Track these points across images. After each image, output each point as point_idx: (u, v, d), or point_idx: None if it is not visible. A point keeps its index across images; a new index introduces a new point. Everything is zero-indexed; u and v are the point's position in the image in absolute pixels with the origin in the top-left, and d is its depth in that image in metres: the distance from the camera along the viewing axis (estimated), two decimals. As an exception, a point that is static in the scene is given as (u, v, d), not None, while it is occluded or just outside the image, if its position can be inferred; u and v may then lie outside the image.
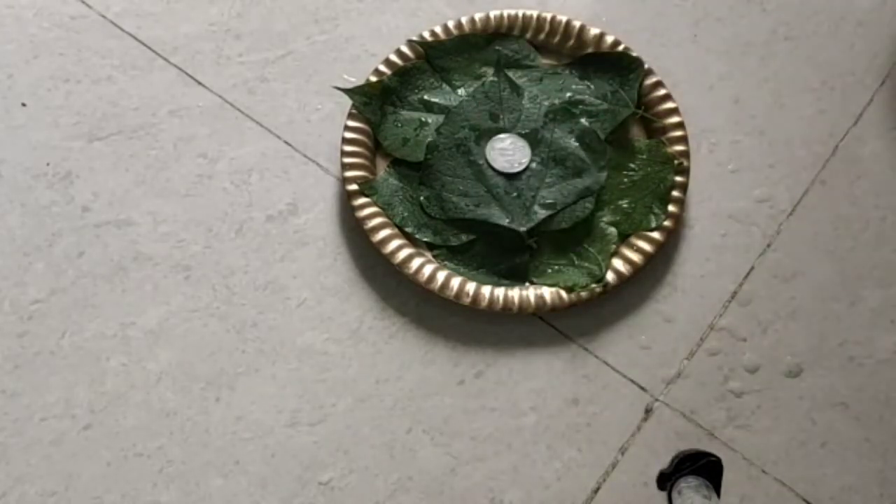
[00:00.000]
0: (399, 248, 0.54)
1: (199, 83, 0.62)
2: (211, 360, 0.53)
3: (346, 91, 0.58)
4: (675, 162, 0.56)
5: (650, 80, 0.58)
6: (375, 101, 0.59)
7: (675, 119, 0.57)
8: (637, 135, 0.58)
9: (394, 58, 0.60)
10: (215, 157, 0.59)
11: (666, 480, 0.49)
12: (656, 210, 0.55)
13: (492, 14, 0.61)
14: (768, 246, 0.56)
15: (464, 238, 0.55)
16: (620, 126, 0.57)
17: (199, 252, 0.56)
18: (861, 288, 0.55)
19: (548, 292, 0.53)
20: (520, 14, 0.61)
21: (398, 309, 0.55)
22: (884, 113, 0.60)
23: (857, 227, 0.56)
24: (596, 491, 0.50)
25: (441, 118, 0.58)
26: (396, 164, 0.58)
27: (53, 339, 0.54)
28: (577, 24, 0.60)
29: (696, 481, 0.48)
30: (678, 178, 0.56)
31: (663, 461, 0.50)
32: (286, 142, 0.60)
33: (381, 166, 0.58)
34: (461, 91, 0.60)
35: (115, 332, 0.54)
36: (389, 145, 0.58)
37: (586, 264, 0.54)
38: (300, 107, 0.61)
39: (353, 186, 0.56)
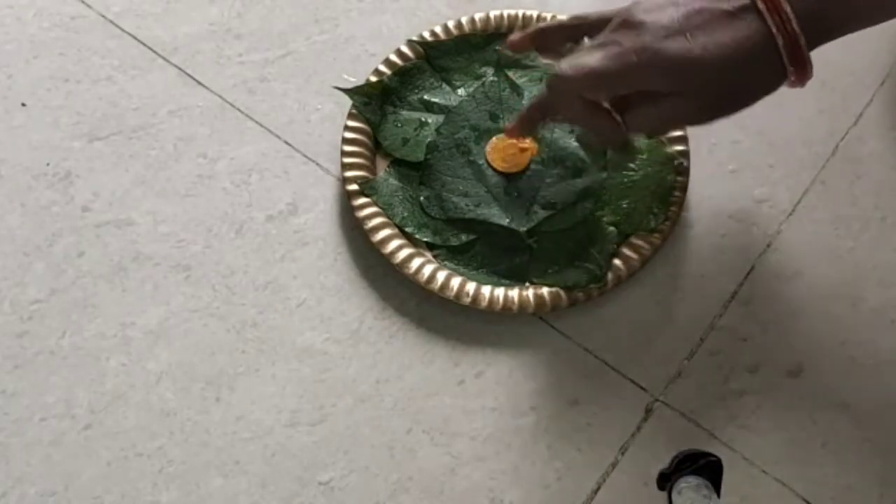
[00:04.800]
0: (399, 248, 0.54)
1: (199, 83, 0.62)
2: (211, 360, 0.53)
3: (346, 91, 0.58)
4: (675, 162, 0.56)
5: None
6: (375, 101, 0.59)
7: (675, 119, 0.57)
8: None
9: (394, 58, 0.60)
10: (215, 157, 0.59)
11: (666, 480, 0.49)
12: (656, 210, 0.55)
13: (492, 14, 0.61)
14: (768, 246, 0.56)
15: (464, 238, 0.55)
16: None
17: (199, 252, 0.56)
18: (861, 288, 0.55)
19: (548, 292, 0.53)
20: (520, 14, 0.61)
21: (398, 309, 0.55)
22: (884, 113, 0.60)
23: (857, 227, 0.56)
24: (596, 491, 0.50)
25: (441, 118, 0.58)
26: (396, 164, 0.58)
27: (53, 339, 0.54)
28: (577, 24, 0.60)
29: (696, 481, 0.48)
30: (678, 178, 0.56)
31: (663, 461, 0.50)
32: (286, 142, 0.60)
33: (381, 166, 0.58)
34: (461, 91, 0.60)
35: (115, 332, 0.54)
36: (389, 145, 0.58)
37: (586, 264, 0.54)
38: (300, 107, 0.61)
39: (353, 186, 0.56)
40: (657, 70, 0.44)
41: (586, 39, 0.49)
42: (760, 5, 0.43)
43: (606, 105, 0.47)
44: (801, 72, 0.44)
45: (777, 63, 0.44)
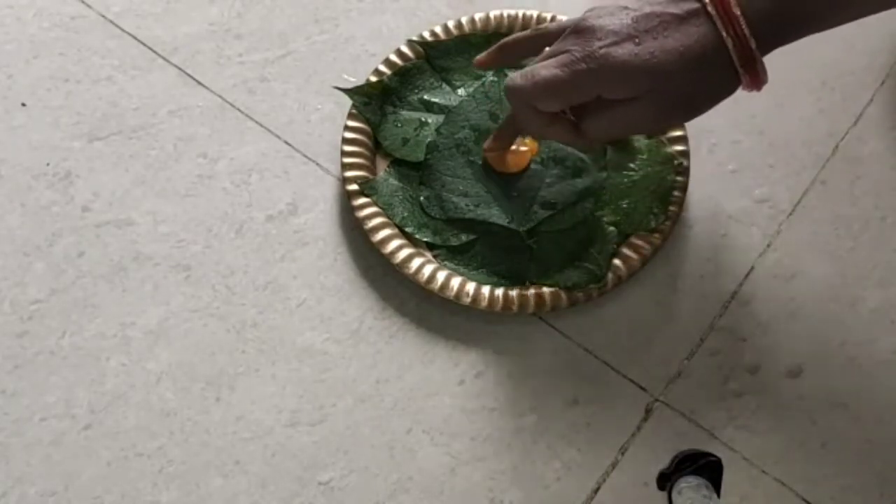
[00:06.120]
0: (399, 248, 0.54)
1: (199, 83, 0.62)
2: (211, 360, 0.53)
3: (346, 91, 0.58)
4: (675, 162, 0.56)
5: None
6: (375, 101, 0.59)
7: (675, 119, 0.57)
8: (637, 134, 0.58)
9: (394, 58, 0.60)
10: (215, 157, 0.59)
11: (666, 480, 0.49)
12: (656, 210, 0.55)
13: (492, 14, 0.61)
14: (768, 246, 0.56)
15: (464, 238, 0.55)
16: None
17: (199, 252, 0.56)
18: (861, 288, 0.55)
19: (548, 292, 0.53)
20: (520, 14, 0.61)
21: (398, 309, 0.55)
22: (884, 113, 0.60)
23: (857, 227, 0.56)
24: (596, 491, 0.50)
25: (441, 118, 0.58)
26: (396, 164, 0.58)
27: (53, 339, 0.54)
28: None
29: (696, 481, 0.48)
30: (678, 178, 0.56)
31: (663, 461, 0.50)
32: (286, 142, 0.60)
33: (381, 166, 0.58)
34: (461, 91, 0.60)
35: (115, 332, 0.54)
36: (389, 145, 0.58)
37: (586, 264, 0.54)
38: (300, 107, 0.61)
39: (353, 186, 0.56)
40: (606, 76, 0.43)
41: (547, 49, 0.49)
42: (710, 9, 0.42)
43: (568, 113, 0.47)
44: (754, 76, 0.44)
45: (729, 67, 0.43)
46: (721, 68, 0.43)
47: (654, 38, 0.43)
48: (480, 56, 0.53)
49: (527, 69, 0.46)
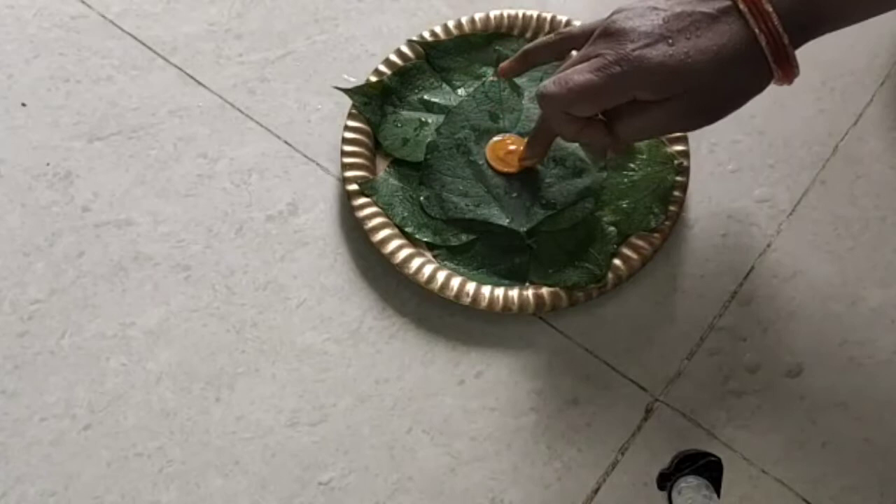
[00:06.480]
0: (399, 248, 0.54)
1: (199, 83, 0.62)
2: (211, 360, 0.53)
3: (346, 91, 0.58)
4: (675, 162, 0.56)
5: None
6: (375, 101, 0.59)
7: (675, 119, 0.57)
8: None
9: (394, 58, 0.60)
10: (215, 157, 0.59)
11: (666, 480, 0.49)
12: (656, 210, 0.55)
13: (492, 14, 0.61)
14: (768, 246, 0.56)
15: (464, 238, 0.55)
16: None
17: (199, 252, 0.56)
18: (861, 288, 0.55)
19: (548, 292, 0.53)
20: (520, 14, 0.61)
21: (398, 309, 0.55)
22: (884, 113, 0.60)
23: (857, 227, 0.56)
24: (596, 491, 0.50)
25: (441, 118, 0.58)
26: (396, 164, 0.58)
27: (53, 339, 0.54)
28: (577, 23, 0.60)
29: (696, 481, 0.48)
30: (678, 178, 0.56)
31: (663, 461, 0.50)
32: (286, 142, 0.60)
33: (381, 166, 0.58)
34: (461, 91, 0.60)
35: (115, 332, 0.54)
36: (389, 145, 0.58)
37: (586, 264, 0.54)
38: (300, 107, 0.61)
39: (353, 186, 0.56)
40: (641, 79, 0.43)
41: (573, 53, 0.48)
42: (742, 6, 0.42)
43: (599, 115, 0.47)
44: (788, 71, 0.44)
45: (762, 63, 0.43)
46: (754, 65, 0.43)
47: (688, 38, 0.43)
48: (504, 64, 0.53)
49: (559, 75, 0.46)
